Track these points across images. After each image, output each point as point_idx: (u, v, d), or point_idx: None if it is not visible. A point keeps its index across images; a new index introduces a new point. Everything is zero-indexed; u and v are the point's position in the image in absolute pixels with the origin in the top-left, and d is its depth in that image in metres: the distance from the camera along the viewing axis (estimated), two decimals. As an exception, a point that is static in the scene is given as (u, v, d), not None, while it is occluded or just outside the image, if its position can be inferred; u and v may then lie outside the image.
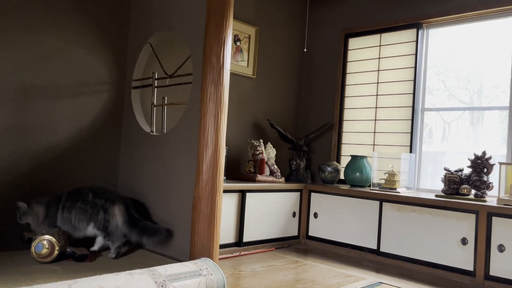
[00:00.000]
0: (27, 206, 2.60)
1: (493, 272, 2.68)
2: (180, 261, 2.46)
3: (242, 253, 3.20)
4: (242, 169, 3.72)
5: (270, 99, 4.06)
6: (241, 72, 3.77)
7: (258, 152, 3.54)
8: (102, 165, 3.17)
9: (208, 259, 2.25)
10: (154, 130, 3.09)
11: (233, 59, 3.70)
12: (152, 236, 2.70)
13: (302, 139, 3.97)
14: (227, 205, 3.10)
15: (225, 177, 3.09)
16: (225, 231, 3.09)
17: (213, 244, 2.54)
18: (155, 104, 3.12)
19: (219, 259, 2.68)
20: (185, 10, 2.85)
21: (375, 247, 3.23)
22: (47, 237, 2.42)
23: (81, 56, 3.03)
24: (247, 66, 3.84)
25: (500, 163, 2.86)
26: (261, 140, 3.61)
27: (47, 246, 2.40)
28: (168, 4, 3.00)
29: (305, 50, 4.20)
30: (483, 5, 3.26)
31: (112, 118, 3.22)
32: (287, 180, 3.80)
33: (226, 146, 2.69)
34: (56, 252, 2.41)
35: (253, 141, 3.58)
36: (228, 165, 3.42)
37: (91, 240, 2.72)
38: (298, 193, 3.66)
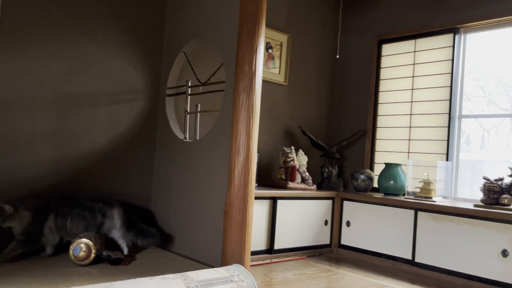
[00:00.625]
0: (14, 210, 2.47)
1: (536, 286, 2.56)
2: (212, 266, 2.48)
3: (273, 260, 3.19)
4: (273, 176, 3.72)
5: (302, 106, 4.05)
6: (272, 79, 3.79)
7: (289, 159, 3.53)
8: (137, 170, 3.25)
9: (240, 265, 2.26)
10: (187, 137, 3.15)
11: (265, 66, 3.72)
12: (146, 238, 2.81)
13: (334, 146, 3.93)
14: (258, 212, 3.10)
15: (256, 184, 3.10)
16: (256, 238, 3.09)
17: (245, 250, 2.54)
18: (188, 111, 3.18)
19: (250, 266, 2.68)
20: (218, 19, 2.90)
21: (410, 257, 3.15)
22: (85, 240, 2.49)
23: (118, 66, 3.13)
24: (279, 73, 3.85)
25: (544, 172, 2.73)
26: (293, 147, 3.60)
27: (84, 249, 2.47)
28: (201, 13, 3.06)
29: (337, 56, 4.18)
30: (524, 8, 3.15)
31: (147, 125, 3.29)
32: (319, 188, 3.77)
33: (257, 153, 2.70)
34: (92, 255, 2.49)
35: (284, 148, 3.57)
36: (260, 172, 3.43)
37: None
38: (330, 201, 3.62)
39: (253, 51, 2.61)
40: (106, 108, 3.09)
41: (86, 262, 2.48)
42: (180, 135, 3.18)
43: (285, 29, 3.87)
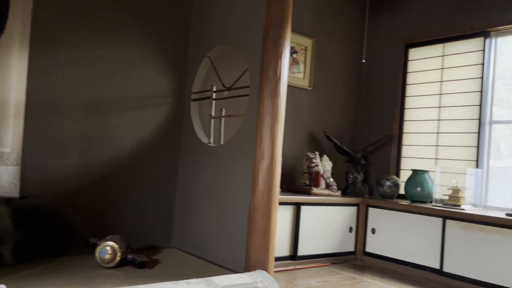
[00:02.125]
0: None
1: None
2: (236, 272, 2.47)
3: (297, 267, 3.16)
4: (297, 181, 3.69)
5: (326, 111, 4.01)
6: (297, 84, 3.77)
7: (313, 165, 3.49)
8: (162, 174, 3.27)
9: (264, 271, 2.24)
10: (212, 142, 3.16)
11: (289, 71, 3.70)
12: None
13: (360, 151, 3.88)
14: (282, 217, 3.08)
15: (280, 189, 3.08)
16: (280, 244, 3.06)
17: (268, 256, 2.52)
18: (213, 116, 3.19)
19: (274, 272, 2.66)
20: (243, 24, 2.91)
21: (438, 267, 3.06)
22: (110, 243, 2.52)
23: (144, 71, 3.17)
24: (303, 78, 3.83)
25: None
26: (317, 153, 3.57)
27: (110, 252, 2.50)
28: (226, 18, 3.07)
29: (363, 61, 4.13)
30: (559, 11, 3.04)
31: (172, 129, 3.32)
32: (344, 194, 3.72)
33: (281, 158, 2.69)
34: (118, 258, 2.51)
35: (308, 153, 3.54)
36: (284, 177, 3.40)
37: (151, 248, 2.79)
38: (355, 208, 3.57)
39: (278, 56, 2.60)
40: (132, 112, 3.13)
41: (111, 264, 2.51)
42: (204, 140, 3.19)
43: (310, 34, 3.85)
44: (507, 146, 3.44)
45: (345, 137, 4.12)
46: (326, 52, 3.98)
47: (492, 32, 3.43)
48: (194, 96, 3.33)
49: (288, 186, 3.56)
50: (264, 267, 2.47)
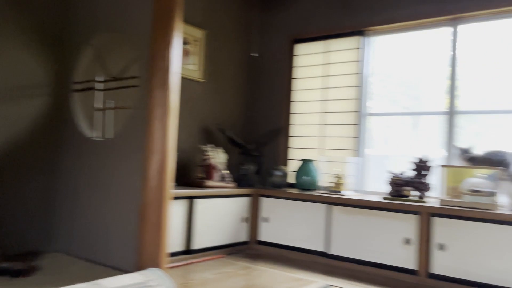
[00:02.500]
0: None
1: (434, 270, 2.80)
2: (128, 272, 2.35)
3: (192, 261, 3.13)
4: (192, 174, 3.65)
5: (220, 104, 4.02)
6: (190, 76, 3.70)
7: (207, 157, 3.48)
8: (41, 171, 2.98)
9: (157, 269, 2.17)
10: (98, 135, 2.95)
11: (182, 62, 3.61)
12: None
13: (252, 143, 3.96)
14: (175, 212, 3.01)
15: (176, 184, 3.01)
16: (174, 239, 3.00)
17: (161, 253, 2.45)
18: (98, 108, 2.98)
19: (168, 268, 2.60)
20: (131, 11, 2.76)
21: (324, 250, 3.28)
22: (-22, 252, 2.23)
23: (20, 60, 2.83)
24: (197, 69, 3.78)
25: (442, 166, 3.00)
26: (210, 145, 3.56)
27: (-23, 262, 2.21)
28: (112, 4, 2.88)
29: (254, 54, 4.21)
30: (422, 15, 3.42)
31: (52, 123, 3.03)
32: (238, 185, 3.77)
33: (176, 151, 2.62)
34: (-12, 268, 2.23)
35: (201, 146, 3.52)
36: (178, 171, 3.33)
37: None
38: (248, 198, 3.64)
39: (167, 45, 2.52)
40: (6, 104, 2.78)
41: (-20, 276, 2.21)
42: (89, 133, 2.98)
43: (202, 25, 3.80)
44: (381, 136, 3.81)
45: (239, 130, 4.18)
46: (218, 44, 3.98)
47: (366, 32, 3.74)
48: (76, 87, 3.08)
49: (183, 179, 3.49)
50: (158, 264, 2.40)
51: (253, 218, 3.66)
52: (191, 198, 3.15)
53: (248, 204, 3.64)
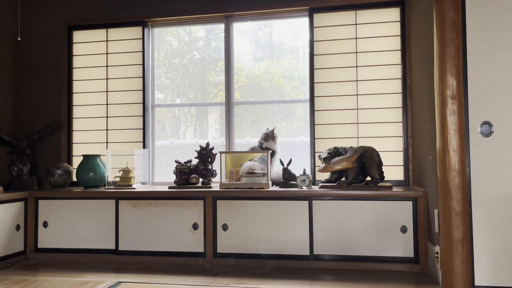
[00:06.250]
0: None
1: (219, 249, 3.01)
2: None
3: None
4: None
5: (-22, 96, 3.40)
6: None
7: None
8: None
9: None
10: None
11: None
12: None
13: (24, 140, 3.49)
14: None
15: None
16: None
17: None
18: None
19: None
20: None
21: (114, 247, 3.15)
22: None
23: None
24: None
25: (220, 152, 3.23)
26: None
27: None
28: None
29: (19, 39, 3.69)
30: (198, 11, 3.58)
31: None
32: (7, 189, 3.28)
33: None
34: None
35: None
36: None
37: None
38: (22, 203, 3.21)
39: None
40: None
41: None
42: None
43: None
44: (170, 127, 3.86)
45: (6, 126, 3.62)
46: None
47: (149, 23, 3.72)
48: None
49: None
50: None
51: (29, 225, 3.25)
52: None
53: (22, 210, 3.20)
